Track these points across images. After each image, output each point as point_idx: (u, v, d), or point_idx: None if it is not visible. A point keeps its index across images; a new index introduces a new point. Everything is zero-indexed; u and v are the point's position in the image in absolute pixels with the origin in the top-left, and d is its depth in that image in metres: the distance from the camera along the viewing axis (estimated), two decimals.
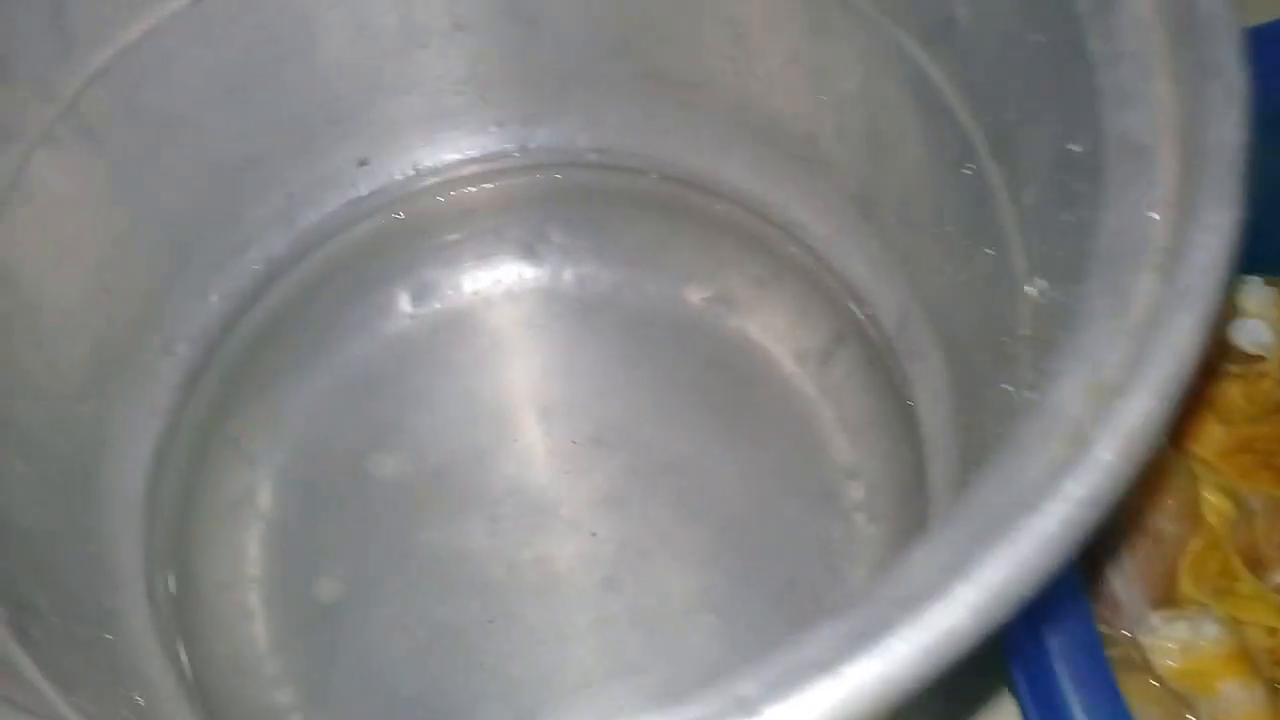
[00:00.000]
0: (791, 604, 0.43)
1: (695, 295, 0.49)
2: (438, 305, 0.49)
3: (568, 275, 0.49)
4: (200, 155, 0.43)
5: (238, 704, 0.43)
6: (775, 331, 0.48)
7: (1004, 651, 0.34)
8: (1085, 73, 0.24)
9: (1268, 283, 0.43)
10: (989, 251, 0.33)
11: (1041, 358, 0.26)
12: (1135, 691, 0.36)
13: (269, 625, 0.44)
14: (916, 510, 0.43)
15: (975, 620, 0.17)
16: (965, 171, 0.33)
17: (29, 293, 0.37)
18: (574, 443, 0.46)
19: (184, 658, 0.41)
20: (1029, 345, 0.29)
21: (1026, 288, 0.28)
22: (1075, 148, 0.25)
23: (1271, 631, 0.39)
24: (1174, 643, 0.38)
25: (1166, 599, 0.40)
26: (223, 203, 0.44)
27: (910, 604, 0.17)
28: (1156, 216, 0.21)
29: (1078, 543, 0.18)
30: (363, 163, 0.47)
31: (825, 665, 0.18)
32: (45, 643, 0.31)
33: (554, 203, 0.50)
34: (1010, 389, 0.31)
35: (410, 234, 0.49)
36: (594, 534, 0.45)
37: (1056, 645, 0.32)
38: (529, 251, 0.50)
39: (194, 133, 0.42)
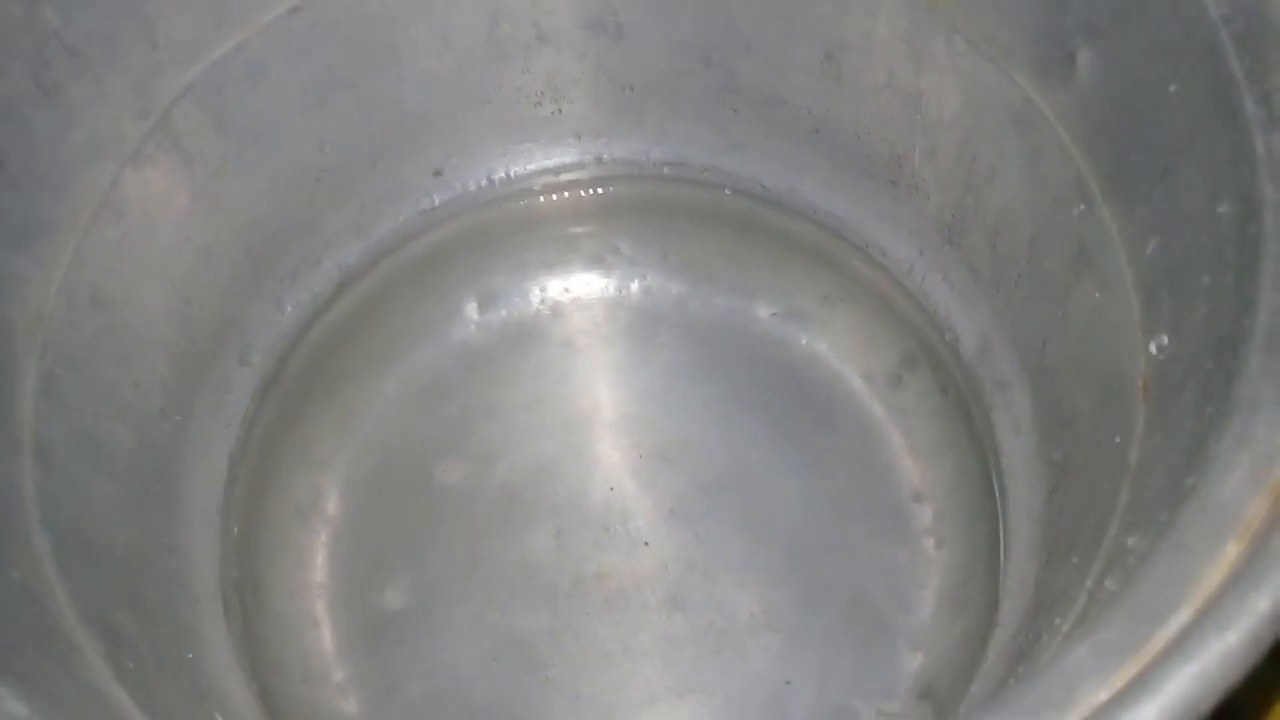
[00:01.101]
0: (857, 626, 0.43)
1: (764, 310, 0.48)
2: (504, 314, 0.49)
3: (635, 287, 0.49)
4: (280, 166, 0.42)
5: (306, 712, 0.43)
6: (844, 351, 0.47)
7: None
8: (1238, 135, 0.24)
9: None
10: (1095, 294, 0.33)
11: (1172, 419, 0.26)
12: None
13: (335, 632, 0.44)
14: (985, 536, 0.43)
15: None
16: (1074, 210, 0.33)
17: (118, 311, 0.37)
18: (639, 456, 0.46)
19: (254, 666, 0.41)
20: (1145, 396, 0.28)
21: (1150, 342, 0.27)
22: (1221, 210, 0.24)
23: None
24: None
25: None
26: (299, 213, 0.44)
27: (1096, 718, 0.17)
28: None
29: (1259, 660, 0.17)
30: (437, 173, 0.47)
31: None
32: (138, 673, 0.31)
33: (624, 215, 0.49)
34: (1118, 438, 0.30)
35: (480, 243, 0.49)
36: (658, 550, 0.44)
37: None
38: (597, 262, 0.49)
39: (275, 144, 0.41)
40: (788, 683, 0.43)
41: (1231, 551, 0.18)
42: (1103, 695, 0.17)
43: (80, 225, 0.35)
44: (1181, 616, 0.18)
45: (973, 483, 0.44)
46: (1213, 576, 0.18)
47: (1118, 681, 0.17)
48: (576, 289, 0.49)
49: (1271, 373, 0.21)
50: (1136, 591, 0.19)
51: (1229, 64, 0.25)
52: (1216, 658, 0.17)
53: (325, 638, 0.43)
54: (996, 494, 0.42)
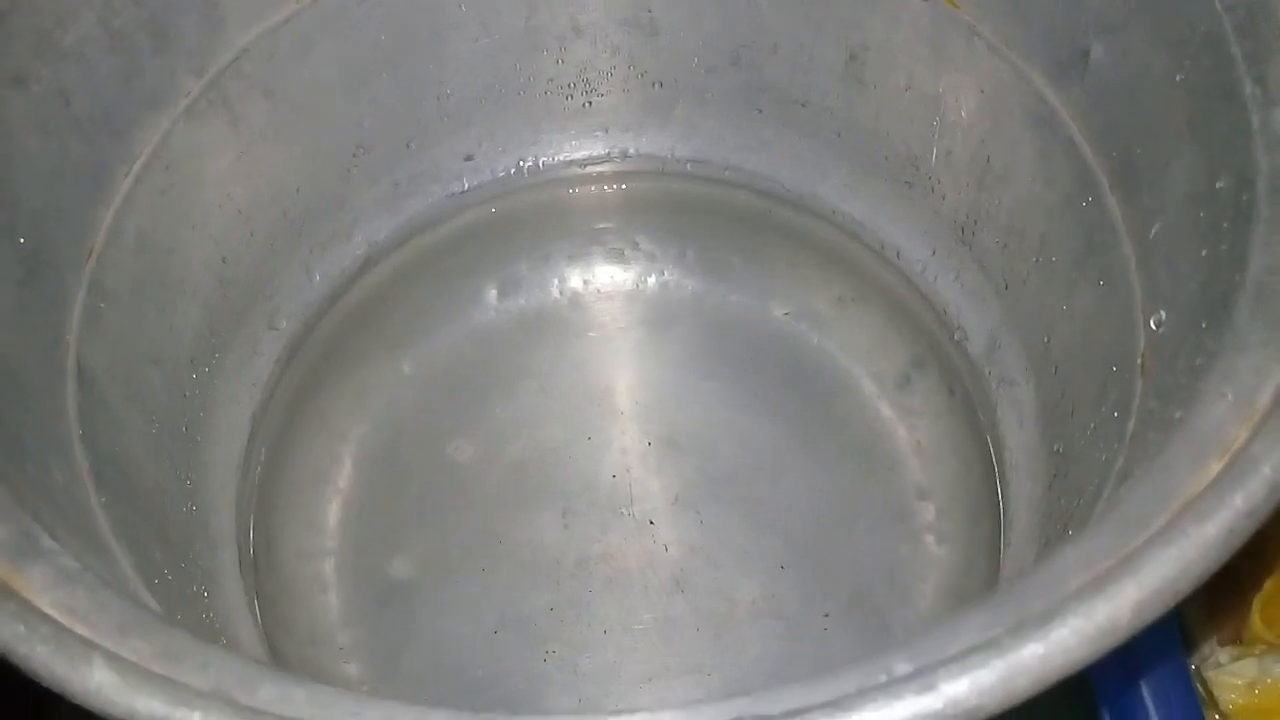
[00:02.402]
0: (855, 617, 0.44)
1: (778, 309, 0.49)
2: (524, 301, 0.50)
3: (653, 281, 0.50)
4: (320, 138, 0.44)
5: (310, 672, 0.43)
6: (855, 351, 0.48)
7: (1097, 696, 0.35)
8: (1236, 114, 0.25)
9: None
10: (1100, 282, 0.34)
11: (1168, 384, 0.27)
12: None
13: (343, 597, 0.44)
14: (985, 533, 0.44)
15: (1135, 615, 0.18)
16: (1082, 204, 0.34)
17: (160, 258, 0.39)
18: (649, 444, 0.47)
19: (262, 622, 0.42)
20: (1144, 373, 0.30)
21: (1149, 320, 0.29)
22: (1220, 185, 0.26)
23: None
24: (1241, 679, 0.39)
25: (1235, 636, 0.40)
26: (335, 185, 0.46)
27: (1078, 594, 0.18)
28: None
29: (1233, 551, 0.19)
30: (468, 158, 0.49)
31: (993, 643, 0.19)
32: (163, 594, 0.32)
33: (646, 210, 0.51)
34: (1117, 414, 0.32)
35: (505, 230, 0.50)
36: (663, 534, 0.45)
37: (1150, 692, 0.33)
38: (617, 256, 0.51)
39: (318, 116, 0.43)
40: (783, 667, 0.43)
41: (1213, 468, 0.20)
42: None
43: (133, 171, 0.37)
44: (1163, 522, 0.19)
45: (975, 481, 0.45)
46: (1194, 489, 0.19)
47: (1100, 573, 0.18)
48: (596, 280, 0.50)
49: (1258, 320, 0.22)
50: (1122, 507, 0.20)
51: (1230, 49, 0.26)
52: (1194, 545, 0.18)
53: (332, 602, 0.44)
54: (999, 492, 0.43)
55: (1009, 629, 0.18)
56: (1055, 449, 0.38)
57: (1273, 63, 0.25)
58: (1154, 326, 0.29)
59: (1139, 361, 0.30)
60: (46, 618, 0.20)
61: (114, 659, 0.19)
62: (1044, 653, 0.18)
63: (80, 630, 0.20)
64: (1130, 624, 0.18)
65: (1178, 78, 0.29)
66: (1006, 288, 0.42)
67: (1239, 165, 0.25)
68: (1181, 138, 0.29)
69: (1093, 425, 0.34)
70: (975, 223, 0.43)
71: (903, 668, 0.19)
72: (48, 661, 0.19)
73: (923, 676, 0.18)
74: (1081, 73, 0.33)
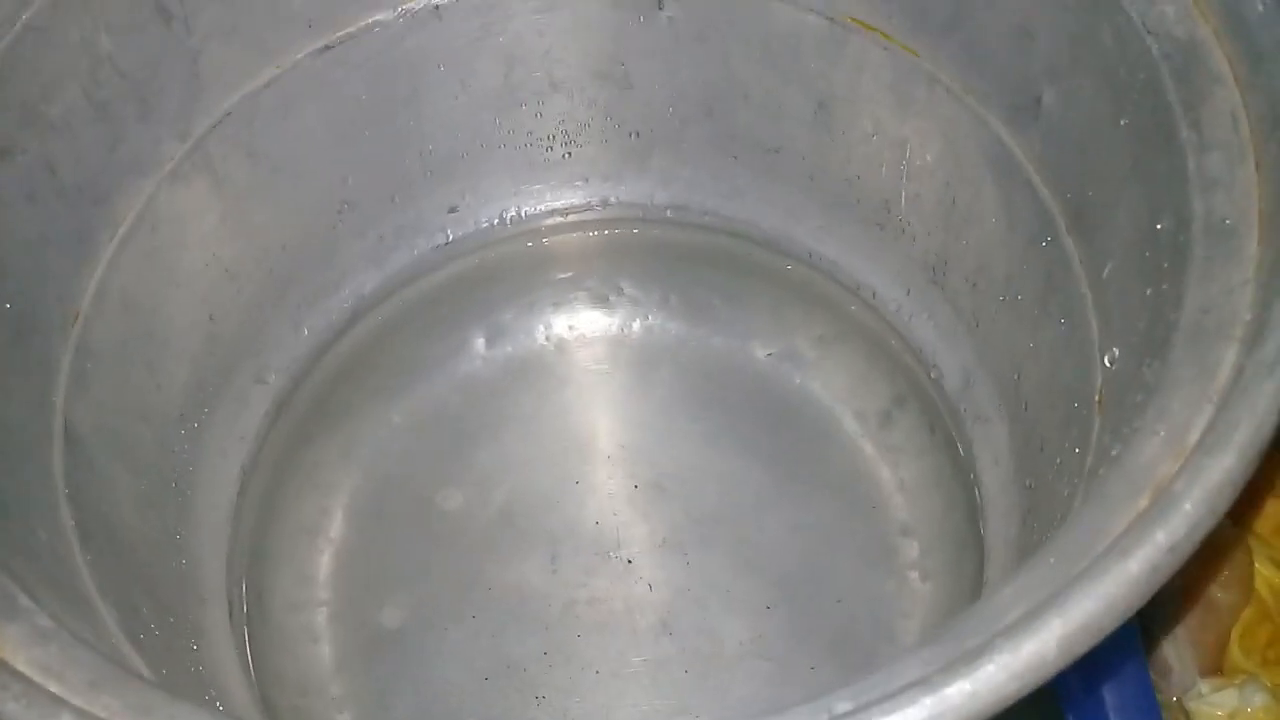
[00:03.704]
0: (843, 656, 0.44)
1: (760, 351, 0.50)
2: (510, 349, 0.51)
3: (637, 326, 0.51)
4: (305, 196, 0.45)
5: None
6: (837, 391, 0.49)
7: (1062, 705, 0.35)
8: (1174, 157, 0.26)
9: None
10: (1061, 321, 0.35)
11: (1117, 420, 0.27)
12: None
13: (334, 647, 0.45)
14: (968, 569, 0.44)
15: (1061, 650, 0.19)
16: (1042, 244, 0.35)
17: (146, 318, 0.40)
18: (635, 487, 0.48)
19: (254, 674, 0.43)
20: (1100, 409, 0.30)
21: (1104, 357, 0.30)
22: (1160, 226, 0.26)
23: None
24: (1222, 710, 0.39)
25: (1216, 667, 0.41)
26: (321, 241, 0.47)
27: (1006, 631, 0.19)
28: (1241, 293, 0.23)
29: (1158, 586, 0.19)
30: (452, 210, 0.50)
31: (923, 681, 0.19)
32: (149, 648, 0.33)
33: (628, 256, 0.52)
34: (1078, 450, 0.32)
35: (490, 280, 0.51)
36: (651, 577, 0.46)
37: (1112, 699, 0.33)
38: (601, 302, 0.51)
39: (301, 175, 0.44)
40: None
41: (1142, 504, 0.20)
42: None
43: (118, 235, 0.38)
44: (1091, 558, 0.20)
45: (958, 518, 0.45)
46: (1123, 525, 0.20)
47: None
48: (581, 327, 0.51)
49: (1191, 358, 0.23)
50: (1058, 543, 0.21)
51: (1168, 95, 0.27)
52: (1117, 581, 0.19)
53: (324, 652, 0.45)
54: (980, 528, 0.44)
55: (941, 667, 0.19)
56: (1027, 484, 0.39)
57: (1206, 108, 0.26)
58: (1108, 364, 0.30)
59: (1097, 398, 0.31)
60: (19, 675, 0.20)
61: (83, 715, 0.20)
62: (972, 689, 0.19)
63: (52, 687, 0.20)
64: (1057, 659, 0.19)
65: (1122, 122, 0.30)
66: (977, 326, 0.43)
67: (1177, 207, 0.26)
68: (1127, 180, 0.30)
69: (1059, 461, 0.35)
70: (945, 263, 0.43)
71: (843, 706, 0.19)
72: (17, 717, 0.20)
73: (859, 714, 0.19)
74: (1035, 117, 0.34)
